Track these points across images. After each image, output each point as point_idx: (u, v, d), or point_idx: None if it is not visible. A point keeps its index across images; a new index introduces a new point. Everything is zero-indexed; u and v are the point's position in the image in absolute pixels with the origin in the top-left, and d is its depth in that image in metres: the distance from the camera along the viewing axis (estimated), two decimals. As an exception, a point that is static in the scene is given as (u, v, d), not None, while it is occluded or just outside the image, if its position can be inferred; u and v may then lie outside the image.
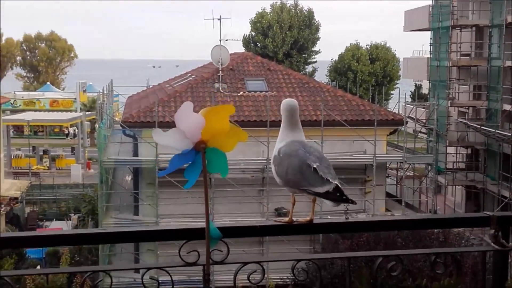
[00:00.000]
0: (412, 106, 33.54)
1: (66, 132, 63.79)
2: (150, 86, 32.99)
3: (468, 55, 35.58)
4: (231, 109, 2.61)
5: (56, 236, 2.83)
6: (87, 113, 54.16)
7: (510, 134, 26.64)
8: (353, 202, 2.78)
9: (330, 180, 2.80)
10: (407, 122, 27.81)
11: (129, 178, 27.29)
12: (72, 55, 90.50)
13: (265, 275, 2.89)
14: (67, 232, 3.12)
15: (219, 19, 27.14)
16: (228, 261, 2.72)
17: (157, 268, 2.74)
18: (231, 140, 2.64)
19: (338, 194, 2.79)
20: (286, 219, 2.91)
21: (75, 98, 61.62)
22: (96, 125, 42.32)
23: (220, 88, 25.78)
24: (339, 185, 2.80)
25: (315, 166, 2.83)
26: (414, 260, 15.50)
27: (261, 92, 25.76)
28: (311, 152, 2.93)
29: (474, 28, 35.46)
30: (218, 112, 2.60)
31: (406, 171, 28.83)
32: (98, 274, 2.74)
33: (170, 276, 2.72)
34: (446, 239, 17.87)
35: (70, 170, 45.37)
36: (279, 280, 20.28)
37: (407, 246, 17.45)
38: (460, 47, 34.99)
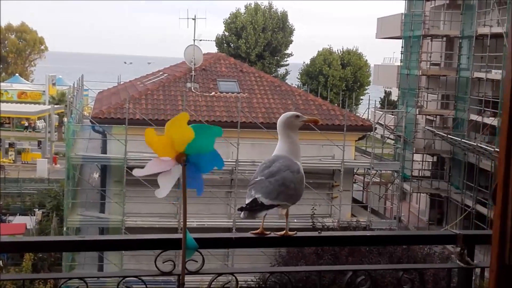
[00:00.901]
0: (381, 113, 33.93)
1: (26, 124, 62.79)
2: (121, 82, 32.78)
3: (438, 64, 36.13)
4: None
5: (23, 243, 2.85)
6: (55, 106, 53.50)
7: (475, 144, 27.12)
8: (245, 209, 2.93)
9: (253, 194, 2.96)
10: (376, 128, 28.15)
11: (96, 175, 27.09)
12: (42, 47, 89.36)
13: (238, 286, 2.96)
14: (39, 239, 3.14)
15: (194, 19, 27.13)
16: (203, 271, 2.78)
17: (133, 277, 2.78)
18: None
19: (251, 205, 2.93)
20: (258, 230, 2.98)
21: (44, 91, 60.85)
22: (65, 119, 41.85)
23: (192, 88, 25.77)
24: (257, 198, 2.94)
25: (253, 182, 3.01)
26: (382, 275, 15.68)
27: (233, 93, 25.82)
28: (264, 167, 3.06)
29: (444, 39, 36.02)
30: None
31: (373, 177, 29.17)
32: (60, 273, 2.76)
33: (146, 285, 2.77)
34: (410, 248, 18.09)
35: (36, 164, 44.77)
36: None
37: (371, 253, 17.64)
38: (430, 57, 35.52)
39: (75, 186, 24.59)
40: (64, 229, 23.22)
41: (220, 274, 2.82)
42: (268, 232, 2.94)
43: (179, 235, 2.74)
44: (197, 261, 2.81)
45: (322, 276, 2.82)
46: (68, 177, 23.52)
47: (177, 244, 2.73)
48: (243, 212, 2.97)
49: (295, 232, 2.91)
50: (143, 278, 2.76)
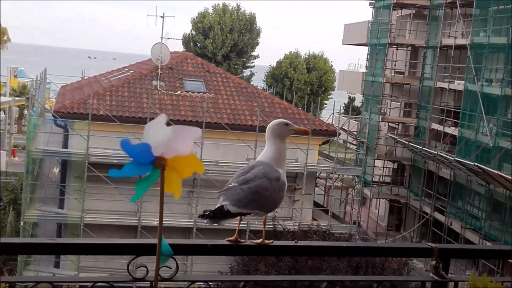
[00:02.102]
0: (345, 118, 34.21)
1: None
2: (85, 77, 32.33)
3: (402, 73, 36.59)
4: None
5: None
6: (16, 98, 52.45)
7: (436, 152, 27.52)
8: (208, 216, 2.91)
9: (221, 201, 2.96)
10: (339, 133, 28.36)
11: (56, 170, 26.65)
12: (5, 38, 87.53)
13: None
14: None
15: (162, 17, 26.91)
16: (177, 278, 2.72)
17: (104, 282, 2.71)
18: (188, 167, 2.65)
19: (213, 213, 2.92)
20: (232, 238, 2.94)
21: (5, 82, 59.63)
22: (25, 112, 41.02)
23: (158, 86, 25.56)
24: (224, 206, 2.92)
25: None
26: (357, 286, 15.76)
27: (199, 93, 25.70)
28: (241, 173, 3.04)
29: (409, 48, 36.51)
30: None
31: (335, 181, 29.38)
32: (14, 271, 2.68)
33: (117, 290, 2.70)
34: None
35: (-7, 156, 43.77)
36: None
37: (331, 257, 17.71)
38: (395, 65, 35.95)
39: (34, 180, 24.14)
40: (21, 223, 22.78)
41: (194, 282, 2.77)
42: (243, 240, 2.90)
43: (153, 241, 2.67)
44: (170, 268, 2.75)
45: (297, 285, 2.79)
46: (28, 171, 23.09)
47: (152, 250, 2.67)
48: (206, 220, 2.91)
49: (272, 240, 2.88)
50: (115, 284, 2.68)
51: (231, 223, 3.00)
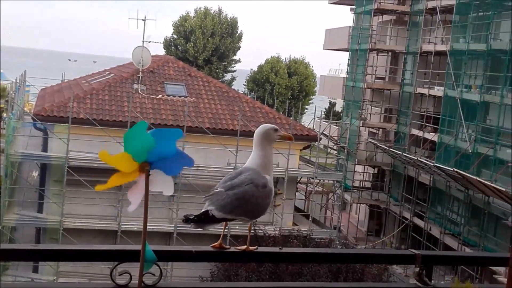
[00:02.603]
0: (326, 123, 34.32)
1: None
2: (65, 80, 32.09)
3: (383, 78, 36.82)
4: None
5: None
6: (-6, 101, 51.91)
7: (416, 158, 27.70)
8: (192, 221, 2.90)
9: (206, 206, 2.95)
10: (320, 138, 28.43)
11: (35, 173, 26.39)
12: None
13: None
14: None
15: (144, 20, 26.81)
16: (160, 285, 2.70)
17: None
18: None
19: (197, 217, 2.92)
20: (216, 244, 2.93)
21: (-18, 85, 58.99)
22: (4, 115, 40.51)
23: (139, 90, 25.45)
24: (209, 211, 2.91)
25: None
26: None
27: (180, 97, 25.62)
28: (228, 179, 3.03)
29: (390, 53, 36.75)
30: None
31: (315, 186, 29.45)
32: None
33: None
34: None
35: (-29, 159, 43.27)
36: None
37: (322, 266, 17.73)
38: (375, 70, 36.16)
39: (12, 184, 23.89)
40: (0, 227, 22.51)
41: (177, 288, 2.74)
42: (227, 247, 2.88)
43: (137, 247, 2.65)
44: (154, 274, 2.73)
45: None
46: (6, 174, 22.83)
47: (135, 256, 2.64)
48: (191, 224, 2.91)
49: (256, 247, 2.87)
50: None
51: (215, 228, 2.99)
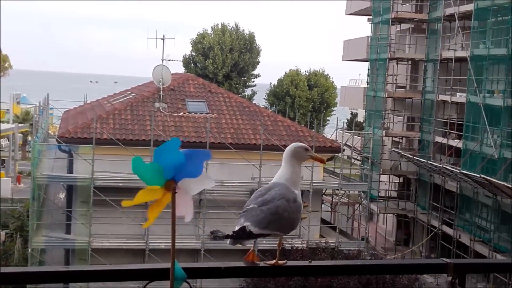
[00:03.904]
0: (349, 134, 34.21)
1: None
2: (88, 102, 32.42)
3: (404, 87, 36.63)
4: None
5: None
6: (19, 125, 52.66)
7: (441, 165, 27.45)
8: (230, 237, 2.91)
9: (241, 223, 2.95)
10: (344, 150, 28.33)
11: (62, 195, 26.64)
12: (6, 65, 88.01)
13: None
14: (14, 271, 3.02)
15: (162, 39, 27.04)
16: (191, 303, 2.69)
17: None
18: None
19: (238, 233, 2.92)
20: (249, 258, 2.94)
21: (7, 109, 59.87)
22: (29, 138, 41.03)
23: (161, 108, 25.62)
24: (245, 227, 2.92)
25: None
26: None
27: (201, 113, 25.73)
28: (258, 195, 3.02)
29: (410, 62, 36.59)
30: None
31: (341, 197, 29.28)
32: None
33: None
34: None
35: (-1, 183, 43.78)
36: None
37: (352, 278, 17.60)
38: (396, 79, 35.99)
39: (40, 206, 24.13)
40: (29, 250, 22.74)
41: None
42: (259, 262, 2.88)
43: (166, 265, 2.65)
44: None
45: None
46: (33, 197, 23.08)
47: (165, 274, 2.64)
48: (229, 240, 2.94)
49: (285, 261, 2.86)
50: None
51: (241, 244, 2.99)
